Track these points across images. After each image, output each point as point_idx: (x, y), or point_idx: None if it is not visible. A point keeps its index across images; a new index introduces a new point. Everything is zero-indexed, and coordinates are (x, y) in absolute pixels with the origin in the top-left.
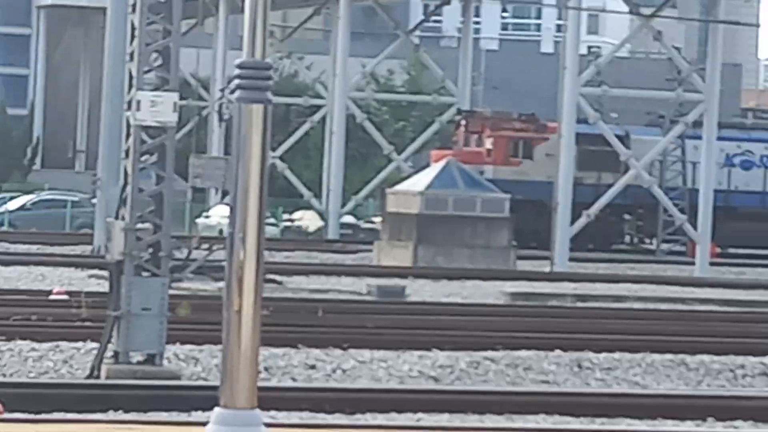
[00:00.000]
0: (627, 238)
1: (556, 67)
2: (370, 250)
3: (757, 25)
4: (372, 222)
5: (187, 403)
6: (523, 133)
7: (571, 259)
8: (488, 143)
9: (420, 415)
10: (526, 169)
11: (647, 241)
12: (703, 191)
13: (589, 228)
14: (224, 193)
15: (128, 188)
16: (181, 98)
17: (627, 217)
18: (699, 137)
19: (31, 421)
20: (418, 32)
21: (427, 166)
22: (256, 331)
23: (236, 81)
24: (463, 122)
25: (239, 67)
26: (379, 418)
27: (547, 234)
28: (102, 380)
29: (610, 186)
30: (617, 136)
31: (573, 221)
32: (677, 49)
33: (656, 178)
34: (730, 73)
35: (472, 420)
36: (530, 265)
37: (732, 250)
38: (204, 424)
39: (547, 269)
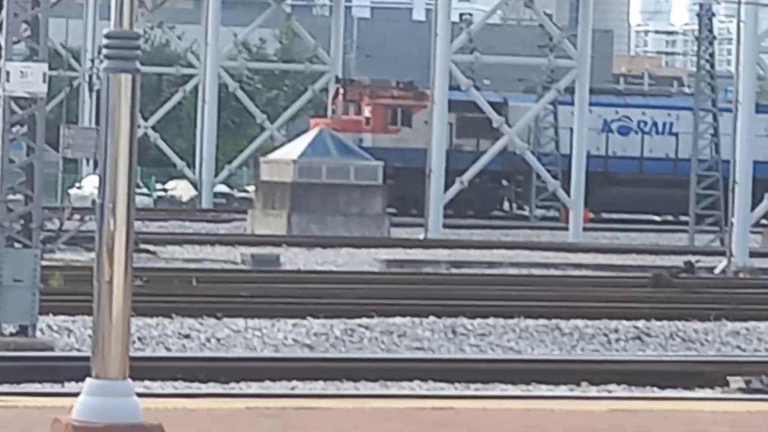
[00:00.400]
0: (506, 205)
1: (428, 35)
2: (244, 219)
3: None
4: (246, 191)
5: (61, 374)
6: (402, 101)
7: (446, 226)
8: (367, 111)
9: (295, 383)
10: (405, 137)
11: (525, 207)
12: (575, 157)
13: (466, 195)
14: (96, 164)
15: None
16: (51, 69)
17: (504, 183)
18: (572, 103)
19: None
20: (289, 1)
21: (302, 134)
22: (127, 301)
23: (104, 51)
24: (341, 90)
25: (107, 37)
26: (254, 387)
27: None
28: None
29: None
30: (495, 103)
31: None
32: (548, 15)
33: (529, 144)
34: (601, 39)
35: (346, 387)
36: (404, 233)
37: (605, 216)
38: (77, 394)
39: (421, 236)
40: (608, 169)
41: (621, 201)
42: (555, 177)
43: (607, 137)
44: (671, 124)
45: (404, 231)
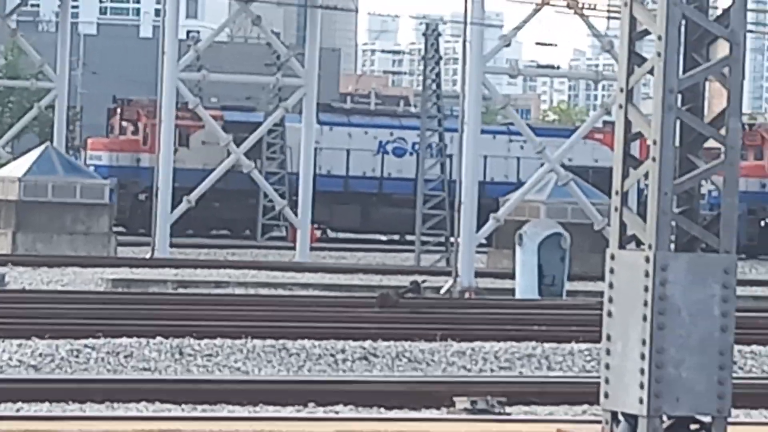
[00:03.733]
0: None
1: (156, 52)
2: None
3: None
4: None
5: None
6: (180, 121)
7: (173, 245)
8: (144, 131)
9: (20, 404)
10: (183, 157)
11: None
12: (303, 176)
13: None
14: None
15: None
16: None
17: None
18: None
19: None
20: (15, 16)
21: (27, 152)
22: None
23: None
24: (118, 110)
25: None
26: None
27: (204, 221)
28: None
29: (267, 173)
30: (274, 124)
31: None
32: (276, 33)
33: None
34: (328, 58)
35: (72, 409)
36: (131, 252)
37: (333, 235)
38: None
39: (148, 255)
40: (383, 190)
41: (396, 221)
42: (282, 196)
43: (382, 158)
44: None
45: (130, 250)
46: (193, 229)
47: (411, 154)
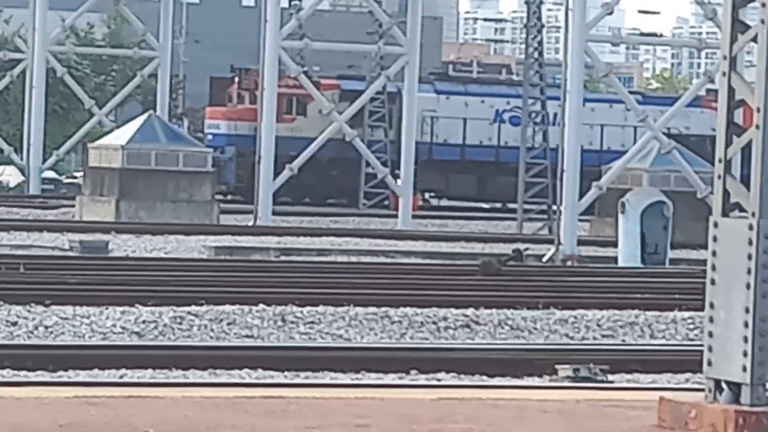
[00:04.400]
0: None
1: (257, 20)
2: (72, 206)
3: None
4: (74, 177)
5: None
6: (296, 90)
7: (275, 213)
8: None
9: (123, 371)
10: (300, 126)
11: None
12: (404, 144)
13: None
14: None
15: None
16: None
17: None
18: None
19: None
20: None
21: (130, 120)
22: None
23: None
24: (236, 79)
25: None
26: (82, 375)
27: (321, 188)
28: None
29: (382, 142)
30: (390, 93)
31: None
32: (378, 2)
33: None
34: (430, 27)
35: (176, 375)
36: (234, 219)
37: (435, 203)
38: None
39: (250, 223)
40: (500, 158)
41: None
42: (384, 164)
43: (499, 127)
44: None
45: (233, 218)
46: (305, 197)
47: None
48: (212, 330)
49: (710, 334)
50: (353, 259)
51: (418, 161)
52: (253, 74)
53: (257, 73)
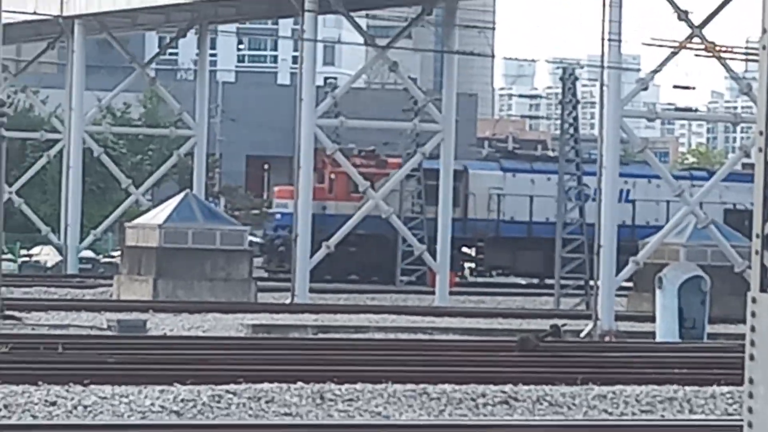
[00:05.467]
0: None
1: (293, 99)
2: (110, 285)
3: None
4: (111, 256)
5: None
6: (364, 169)
7: (312, 291)
8: (329, 179)
9: None
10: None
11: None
12: (441, 221)
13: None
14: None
15: None
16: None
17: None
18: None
19: None
20: (153, 65)
21: (166, 199)
22: None
23: None
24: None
25: None
26: None
27: (390, 267)
28: None
29: (455, 220)
30: (456, 171)
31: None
32: (413, 79)
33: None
34: (465, 103)
35: None
36: (271, 297)
37: (471, 279)
38: None
39: (287, 301)
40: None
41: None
42: (421, 241)
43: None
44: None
45: (270, 296)
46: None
47: (593, 199)
48: (251, 408)
49: (749, 410)
50: (391, 336)
51: (485, 239)
52: (321, 153)
53: (324, 153)
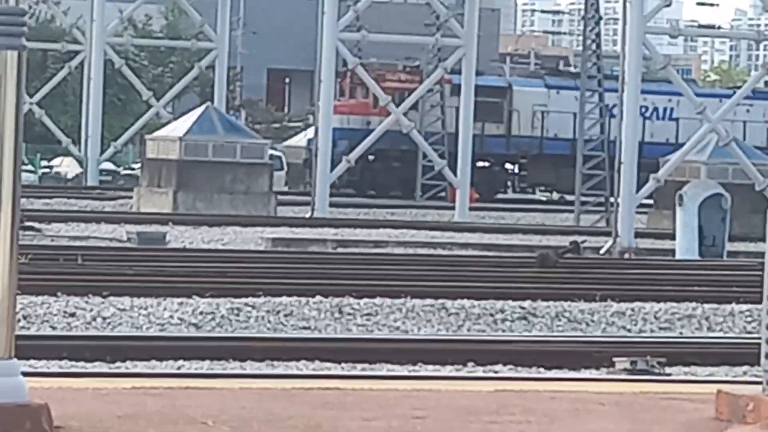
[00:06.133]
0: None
1: (315, 12)
2: (130, 197)
3: None
4: (132, 168)
5: None
6: (409, 84)
7: (332, 205)
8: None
9: (181, 362)
10: (412, 120)
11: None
12: (462, 136)
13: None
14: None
15: None
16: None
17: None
18: None
19: None
20: None
21: (187, 112)
22: (13, 279)
23: None
24: (348, 73)
25: None
26: (140, 366)
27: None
28: None
29: (493, 136)
30: (500, 88)
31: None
32: None
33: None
34: (488, 18)
35: (233, 367)
36: (291, 211)
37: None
38: None
39: (307, 215)
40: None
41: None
42: (442, 156)
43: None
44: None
45: (290, 209)
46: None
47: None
48: (269, 321)
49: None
50: (410, 251)
51: (528, 156)
52: (367, 68)
53: (370, 67)
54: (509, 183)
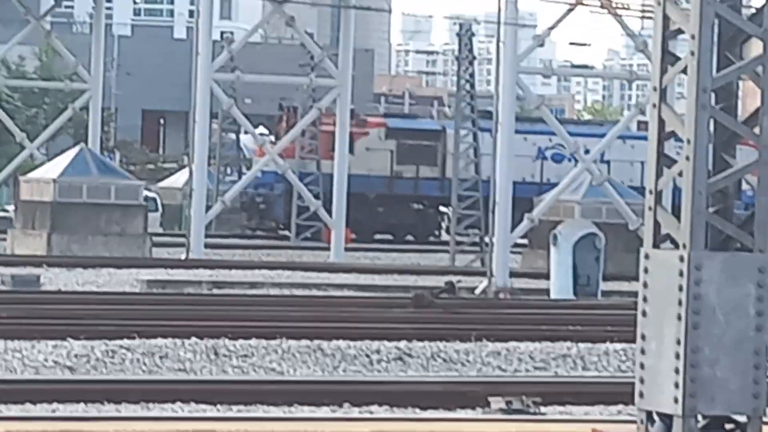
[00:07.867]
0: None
1: (189, 53)
2: (3, 239)
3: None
4: (5, 210)
5: None
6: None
7: (207, 246)
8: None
9: (56, 405)
10: (348, 163)
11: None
12: (337, 178)
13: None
14: None
15: None
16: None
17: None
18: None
19: None
20: (49, 18)
21: (61, 153)
22: None
23: None
24: (284, 117)
25: None
26: (14, 409)
27: (368, 225)
28: None
29: (427, 179)
30: (434, 131)
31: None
32: (310, 34)
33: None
34: (362, 59)
35: (108, 409)
36: (166, 253)
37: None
38: None
39: (183, 256)
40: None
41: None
42: (317, 197)
43: (542, 164)
44: None
45: (165, 251)
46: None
47: (569, 160)
48: (145, 363)
49: (642, 366)
50: (286, 291)
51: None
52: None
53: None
54: (443, 225)
